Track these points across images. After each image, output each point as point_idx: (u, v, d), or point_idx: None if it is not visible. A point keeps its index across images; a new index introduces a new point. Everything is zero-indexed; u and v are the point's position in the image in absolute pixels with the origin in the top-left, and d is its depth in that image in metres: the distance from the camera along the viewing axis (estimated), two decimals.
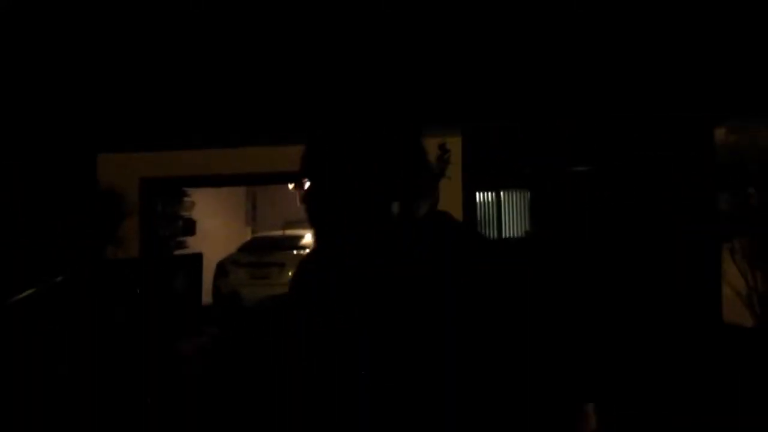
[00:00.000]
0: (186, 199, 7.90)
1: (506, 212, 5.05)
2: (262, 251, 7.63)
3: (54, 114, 4.73)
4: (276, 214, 12.62)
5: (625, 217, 4.56)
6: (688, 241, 4.62)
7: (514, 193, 5.06)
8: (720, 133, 5.41)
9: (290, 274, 6.63)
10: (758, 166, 5.34)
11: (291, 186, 10.59)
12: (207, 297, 6.63)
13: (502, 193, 5.03)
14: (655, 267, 4.46)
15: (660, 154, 4.67)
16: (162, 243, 7.06)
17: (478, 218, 4.89)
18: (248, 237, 10.71)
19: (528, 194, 4.94)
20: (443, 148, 4.61)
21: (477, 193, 4.90)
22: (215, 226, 9.93)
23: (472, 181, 4.88)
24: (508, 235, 4.97)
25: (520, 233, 5.01)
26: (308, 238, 8.37)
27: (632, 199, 4.63)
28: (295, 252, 7.57)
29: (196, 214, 8.52)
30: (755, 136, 5.43)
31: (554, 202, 4.65)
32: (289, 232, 8.88)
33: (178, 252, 7.60)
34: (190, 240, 8.06)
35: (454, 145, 4.65)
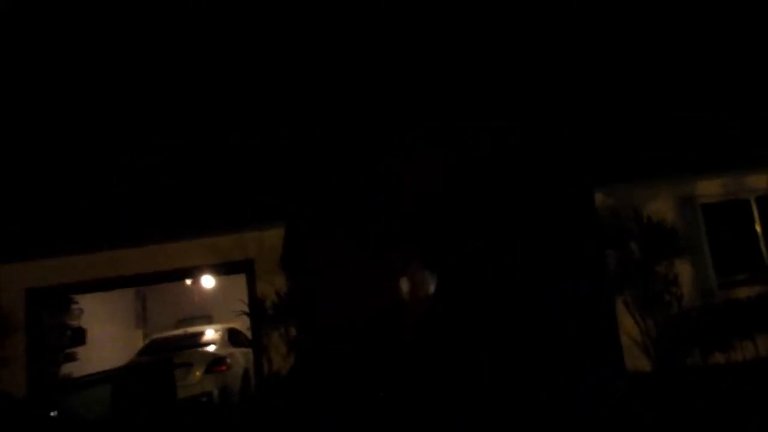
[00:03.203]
0: (74, 306, 7.33)
1: None
2: (165, 354, 7.14)
3: None
4: (167, 314, 11.95)
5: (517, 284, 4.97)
6: (584, 298, 5.03)
7: None
8: (598, 197, 5.97)
9: (198, 374, 6.18)
10: (635, 224, 5.91)
11: (189, 281, 10.10)
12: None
13: None
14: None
15: (548, 221, 5.13)
16: (50, 357, 6.47)
17: None
18: (139, 341, 10.02)
19: None
20: None
21: None
22: (104, 333, 9.23)
23: None
24: None
25: None
26: (209, 333, 7.94)
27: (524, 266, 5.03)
28: (199, 349, 7.15)
29: (85, 321, 7.91)
30: (629, 196, 6.03)
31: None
32: (189, 330, 8.41)
33: (67, 366, 6.98)
34: (80, 350, 7.44)
35: None
